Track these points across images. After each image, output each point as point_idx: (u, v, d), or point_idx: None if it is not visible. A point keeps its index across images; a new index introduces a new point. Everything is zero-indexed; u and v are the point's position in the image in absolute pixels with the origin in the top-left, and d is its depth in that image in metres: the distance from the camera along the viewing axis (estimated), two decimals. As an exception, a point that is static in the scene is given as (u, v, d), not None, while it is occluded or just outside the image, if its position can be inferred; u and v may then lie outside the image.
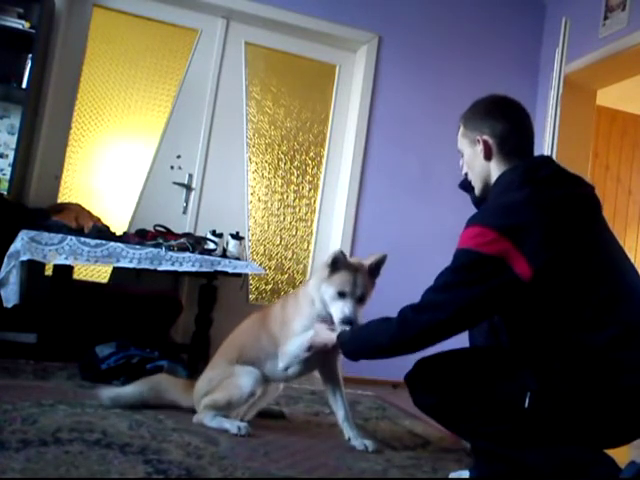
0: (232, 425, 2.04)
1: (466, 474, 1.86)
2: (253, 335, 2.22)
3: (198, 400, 2.17)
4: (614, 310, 1.61)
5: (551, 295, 1.60)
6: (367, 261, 2.06)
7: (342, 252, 2.02)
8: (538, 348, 1.64)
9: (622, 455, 1.68)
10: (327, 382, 2.16)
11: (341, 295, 1.98)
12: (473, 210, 4.70)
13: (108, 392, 2.22)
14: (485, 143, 1.79)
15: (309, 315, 2.07)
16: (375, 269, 2.08)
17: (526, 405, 1.61)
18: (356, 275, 2.00)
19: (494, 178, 1.79)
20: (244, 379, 2.09)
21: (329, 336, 1.95)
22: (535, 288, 1.58)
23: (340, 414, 2.12)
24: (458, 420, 1.73)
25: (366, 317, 2.16)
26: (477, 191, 1.88)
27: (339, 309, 1.97)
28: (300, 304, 2.12)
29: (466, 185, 2.02)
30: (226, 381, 2.12)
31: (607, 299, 1.61)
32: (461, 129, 1.89)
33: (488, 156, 1.79)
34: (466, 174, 1.91)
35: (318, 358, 2.11)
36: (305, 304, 2.09)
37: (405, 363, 1.87)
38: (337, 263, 2.00)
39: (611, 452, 1.63)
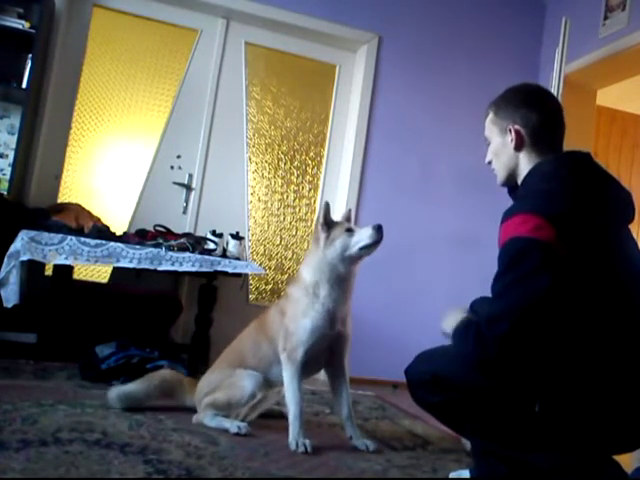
0: (232, 425, 2.04)
1: (466, 474, 1.85)
2: (253, 343, 2.23)
3: (199, 400, 2.18)
4: (633, 319, 1.57)
5: (576, 294, 1.53)
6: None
7: (328, 204, 2.14)
8: (552, 353, 1.57)
9: (624, 460, 1.67)
10: (333, 378, 2.16)
11: (349, 231, 2.08)
12: (473, 210, 4.64)
13: (115, 391, 2.19)
14: (517, 133, 1.72)
15: (309, 307, 2.07)
16: (348, 221, 2.22)
17: (536, 409, 1.58)
18: (343, 221, 2.16)
19: (522, 169, 1.74)
20: (246, 381, 2.11)
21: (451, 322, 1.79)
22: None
23: (344, 412, 2.12)
24: (462, 419, 1.70)
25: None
26: (500, 180, 1.82)
27: (361, 234, 2.06)
28: (296, 301, 2.10)
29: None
30: (227, 382, 2.12)
31: (628, 307, 1.57)
32: (490, 116, 1.83)
33: (519, 147, 1.73)
34: (489, 162, 1.85)
35: (326, 354, 2.11)
36: (302, 298, 2.09)
37: (405, 363, 1.87)
38: (328, 216, 2.11)
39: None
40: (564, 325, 1.54)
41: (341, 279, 2.09)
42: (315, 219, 2.12)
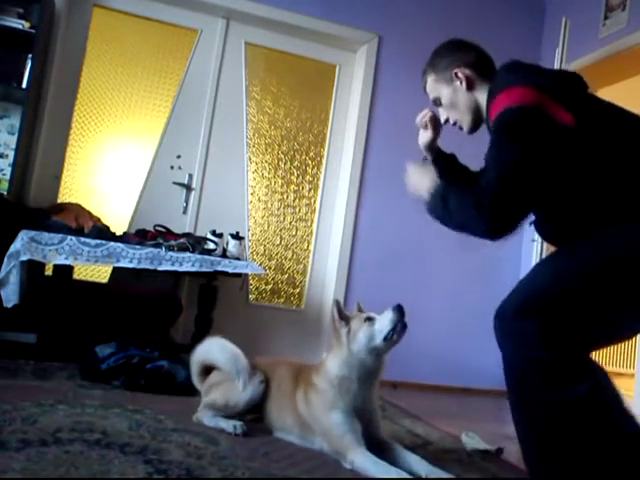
0: (227, 424, 2.04)
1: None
2: (278, 395, 2.09)
3: (204, 392, 2.20)
4: None
5: (599, 147, 1.57)
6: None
7: (337, 301, 1.98)
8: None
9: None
10: (383, 453, 1.87)
11: (369, 320, 1.91)
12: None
13: None
14: (464, 73, 1.81)
15: (336, 398, 1.90)
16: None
17: None
18: (358, 312, 1.99)
19: (482, 103, 1.79)
20: (246, 387, 2.10)
21: (424, 184, 1.81)
22: (581, 139, 1.55)
23: (420, 467, 1.82)
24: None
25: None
26: (468, 125, 1.85)
27: (383, 319, 1.88)
28: (323, 392, 1.93)
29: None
30: (228, 383, 2.12)
31: None
32: (431, 77, 1.89)
33: (470, 85, 1.81)
34: (446, 120, 1.89)
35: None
36: (329, 390, 1.92)
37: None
38: (341, 311, 1.95)
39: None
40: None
41: (371, 373, 1.93)
42: (330, 316, 2.01)
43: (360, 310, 2.03)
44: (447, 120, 1.90)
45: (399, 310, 1.87)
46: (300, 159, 4.09)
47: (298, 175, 4.08)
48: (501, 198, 1.51)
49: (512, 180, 1.51)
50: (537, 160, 1.51)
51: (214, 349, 2.19)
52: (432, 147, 2.05)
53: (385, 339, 1.88)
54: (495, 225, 1.53)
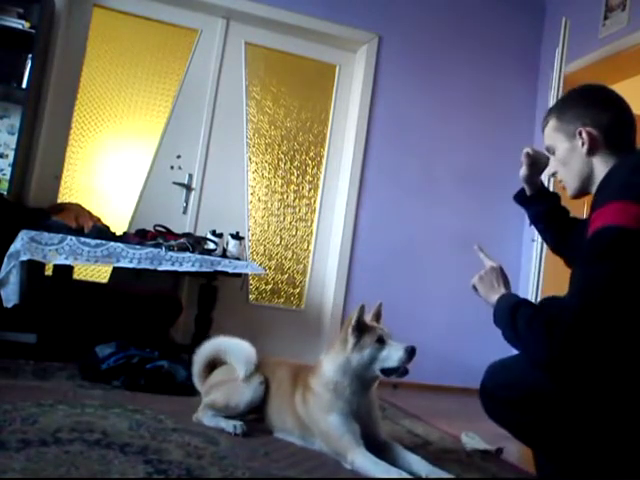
0: (227, 424, 2.04)
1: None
2: (278, 397, 2.10)
3: (204, 392, 2.20)
4: None
5: None
6: (370, 314, 2.04)
7: (363, 307, 1.92)
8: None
9: None
10: (382, 453, 1.87)
11: (381, 341, 1.89)
12: (474, 209, 4.60)
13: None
14: (590, 135, 1.58)
15: (332, 402, 1.91)
16: (378, 316, 2.06)
17: None
18: (376, 325, 1.97)
19: (598, 174, 1.58)
20: (247, 388, 2.09)
21: (491, 294, 1.68)
22: None
23: (420, 467, 1.81)
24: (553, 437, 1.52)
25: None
26: (572, 190, 1.67)
27: (392, 352, 1.86)
28: (319, 395, 1.94)
29: (522, 199, 1.93)
30: (230, 384, 2.11)
31: None
32: (553, 123, 1.68)
33: (593, 150, 1.58)
34: (554, 174, 1.71)
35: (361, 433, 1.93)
36: (325, 394, 1.93)
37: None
38: (361, 319, 1.91)
39: None
40: None
41: (364, 383, 1.93)
42: (347, 320, 1.93)
43: (379, 314, 2.03)
44: (554, 174, 1.71)
45: (411, 354, 1.85)
46: (300, 159, 4.09)
47: (298, 175, 4.08)
48: (580, 331, 1.33)
49: (597, 309, 1.34)
50: (628, 287, 1.34)
51: (225, 339, 2.21)
52: (529, 181, 1.92)
53: (383, 370, 1.88)
54: (562, 356, 1.37)
